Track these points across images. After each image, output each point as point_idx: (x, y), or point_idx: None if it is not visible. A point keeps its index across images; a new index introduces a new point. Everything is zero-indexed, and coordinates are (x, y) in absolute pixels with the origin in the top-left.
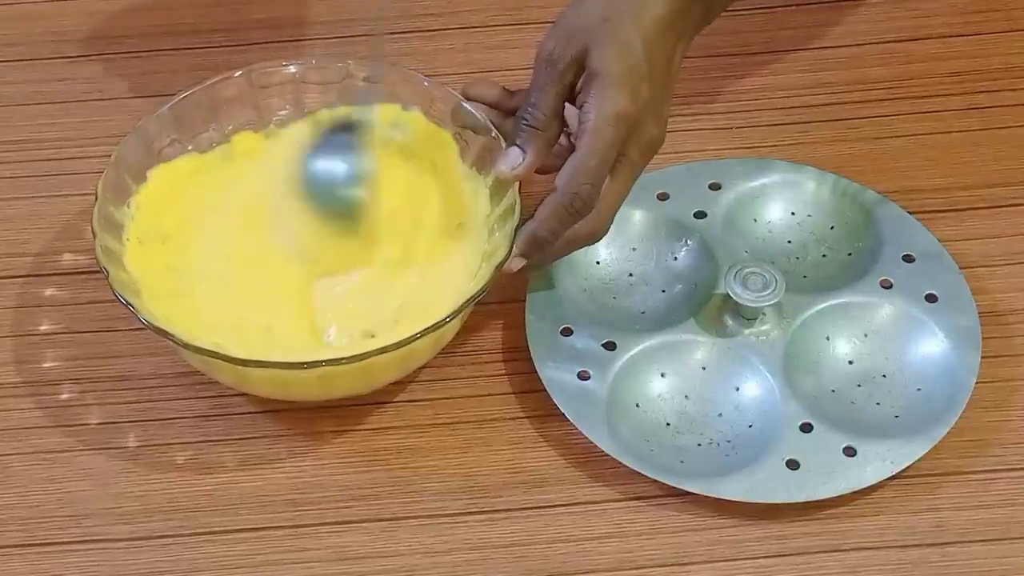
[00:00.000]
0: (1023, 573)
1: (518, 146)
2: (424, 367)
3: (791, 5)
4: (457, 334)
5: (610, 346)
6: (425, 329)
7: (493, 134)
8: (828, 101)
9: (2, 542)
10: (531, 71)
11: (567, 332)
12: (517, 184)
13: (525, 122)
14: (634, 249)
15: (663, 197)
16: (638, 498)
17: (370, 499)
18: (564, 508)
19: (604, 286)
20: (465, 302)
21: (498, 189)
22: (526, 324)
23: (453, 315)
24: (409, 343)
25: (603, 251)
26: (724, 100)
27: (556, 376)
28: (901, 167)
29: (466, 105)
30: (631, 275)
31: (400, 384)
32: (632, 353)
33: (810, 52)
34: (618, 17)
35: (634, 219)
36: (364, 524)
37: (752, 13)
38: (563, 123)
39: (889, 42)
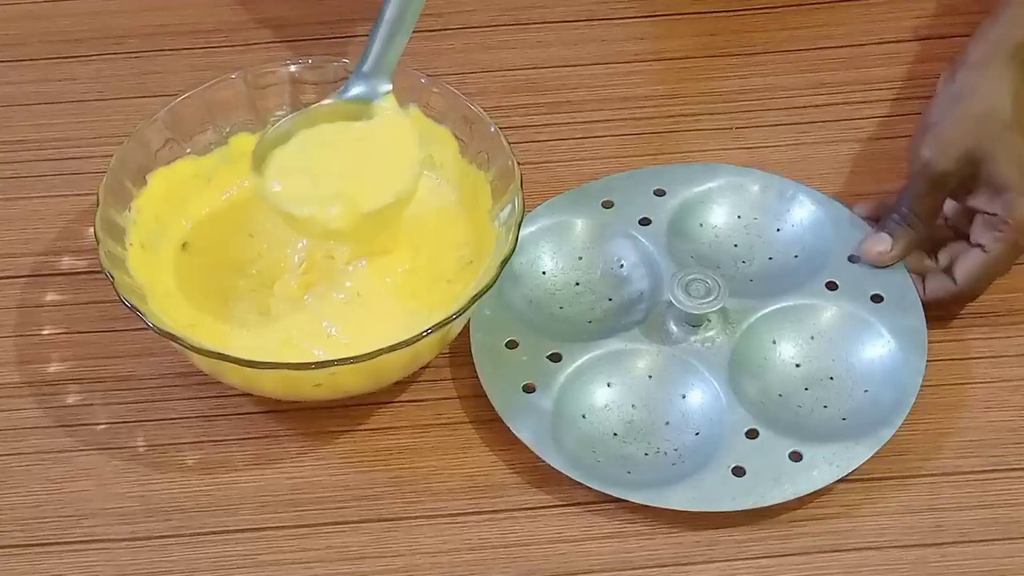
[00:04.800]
0: (1023, 573)
1: (889, 235)
2: (425, 367)
3: (791, 5)
4: (458, 333)
5: (555, 357)
6: (434, 326)
7: (492, 128)
8: (828, 101)
9: (3, 542)
10: (530, 71)
11: (512, 345)
12: (519, 178)
13: (900, 218)
14: (580, 258)
15: (608, 204)
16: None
17: (370, 499)
18: (564, 508)
19: (550, 296)
20: (472, 298)
21: (500, 183)
22: (470, 338)
23: (461, 311)
24: (417, 340)
25: (548, 261)
26: (724, 100)
27: (501, 390)
28: (901, 168)
29: (462, 99)
30: (577, 284)
31: (401, 384)
32: (578, 364)
33: (810, 52)
34: (999, 128)
35: (579, 227)
36: (364, 524)
37: (752, 13)
38: (935, 224)
39: (889, 42)
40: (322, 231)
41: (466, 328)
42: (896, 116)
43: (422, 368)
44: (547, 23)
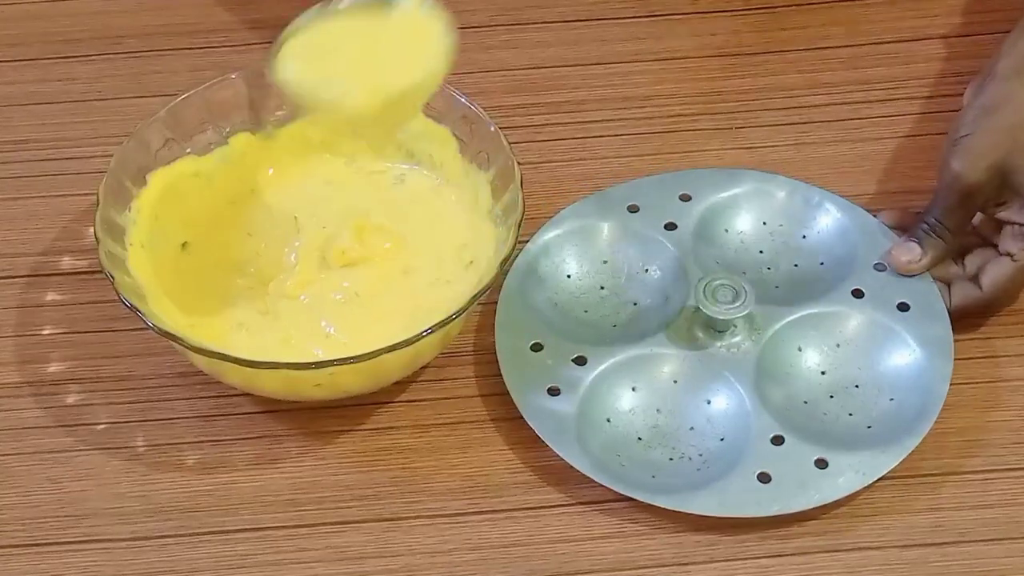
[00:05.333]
0: (1023, 573)
1: (917, 243)
2: (425, 367)
3: (791, 5)
4: (458, 333)
5: (580, 361)
6: (434, 326)
7: (492, 128)
8: (828, 101)
9: (3, 542)
10: (530, 71)
11: (537, 348)
12: (519, 178)
13: (929, 228)
14: (605, 262)
15: (633, 209)
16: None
17: (370, 499)
18: (564, 508)
19: (575, 300)
20: (472, 298)
21: (500, 183)
22: (496, 342)
23: (461, 311)
24: (417, 340)
25: (573, 264)
26: (724, 100)
27: (526, 393)
28: (902, 168)
29: (462, 100)
30: (602, 288)
31: (401, 384)
32: (603, 368)
33: (810, 52)
34: None
35: (604, 232)
36: (364, 524)
37: (752, 13)
38: (965, 236)
39: (889, 42)
40: (344, 114)
41: (467, 328)
42: (896, 116)
43: (422, 368)
44: (547, 23)
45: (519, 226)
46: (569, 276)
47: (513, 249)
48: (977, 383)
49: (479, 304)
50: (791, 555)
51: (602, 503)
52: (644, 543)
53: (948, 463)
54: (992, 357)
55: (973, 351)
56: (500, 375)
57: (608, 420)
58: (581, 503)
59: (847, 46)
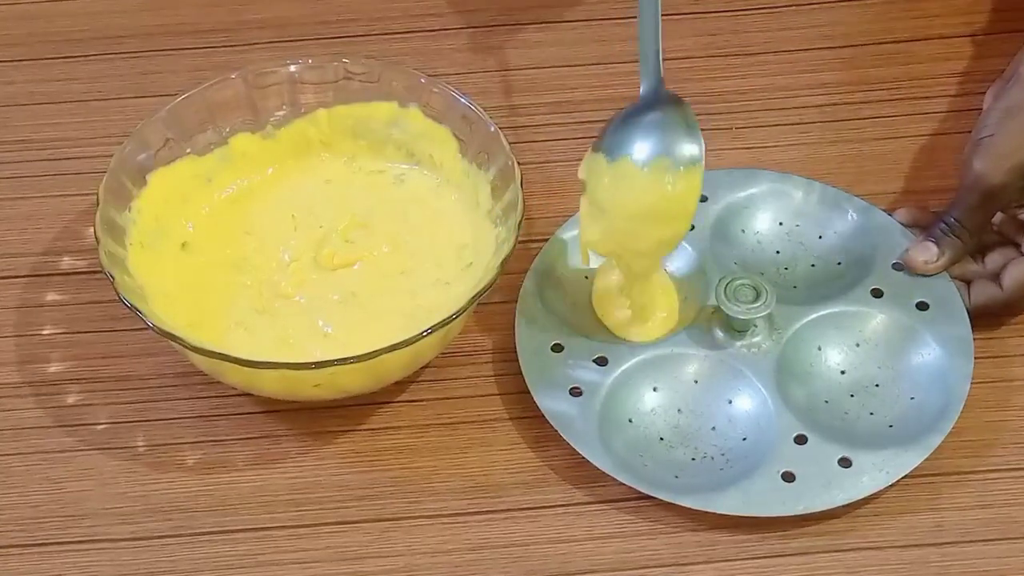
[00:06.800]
0: (1023, 573)
1: (934, 243)
2: (426, 367)
3: (791, 5)
4: (458, 334)
5: (602, 361)
6: (434, 326)
7: (492, 128)
8: (829, 102)
9: (3, 542)
10: (530, 71)
11: (558, 348)
12: (519, 178)
13: (948, 228)
14: None
15: None
16: (639, 498)
17: (370, 499)
18: (564, 508)
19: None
20: (472, 298)
21: (500, 183)
22: (516, 343)
23: (461, 311)
24: (417, 340)
25: (593, 265)
26: (724, 100)
27: (548, 394)
28: (902, 168)
29: (462, 100)
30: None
31: (401, 384)
32: (624, 368)
33: (810, 52)
34: None
35: None
36: (364, 524)
37: (752, 13)
38: (983, 236)
39: (889, 42)
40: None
41: (468, 327)
42: (896, 116)
43: (422, 368)
44: (547, 23)
45: (519, 226)
46: (587, 277)
47: (513, 249)
48: (979, 383)
49: (486, 304)
50: (791, 555)
51: (602, 503)
52: (644, 543)
53: (949, 463)
54: (994, 357)
55: (975, 351)
56: (501, 375)
57: (630, 420)
58: (581, 503)
59: (847, 46)
